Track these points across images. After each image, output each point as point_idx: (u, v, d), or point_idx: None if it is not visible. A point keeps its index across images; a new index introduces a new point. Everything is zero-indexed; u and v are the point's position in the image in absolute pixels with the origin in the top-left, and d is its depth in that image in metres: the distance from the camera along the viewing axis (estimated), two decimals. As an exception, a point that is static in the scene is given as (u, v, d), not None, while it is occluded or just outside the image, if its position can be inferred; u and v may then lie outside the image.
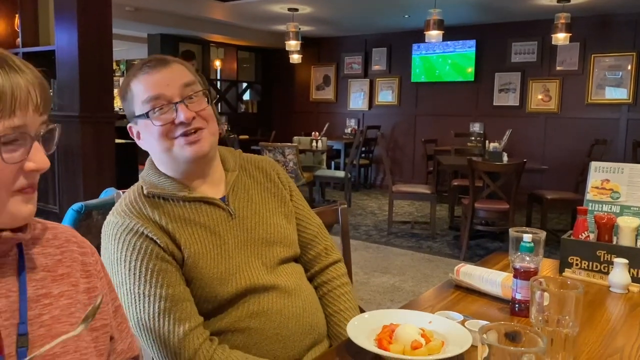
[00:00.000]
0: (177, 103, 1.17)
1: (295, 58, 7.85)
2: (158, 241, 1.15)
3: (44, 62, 4.78)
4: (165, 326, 1.11)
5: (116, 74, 13.14)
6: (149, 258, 1.14)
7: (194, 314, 1.15)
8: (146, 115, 1.18)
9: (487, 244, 5.18)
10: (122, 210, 1.19)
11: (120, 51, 11.12)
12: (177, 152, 1.19)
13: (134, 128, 1.24)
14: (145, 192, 1.21)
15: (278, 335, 1.21)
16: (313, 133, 7.28)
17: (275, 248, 1.29)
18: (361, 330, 1.12)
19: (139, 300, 1.12)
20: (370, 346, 1.06)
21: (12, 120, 0.70)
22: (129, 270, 1.13)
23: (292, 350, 1.22)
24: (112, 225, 1.18)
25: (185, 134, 1.18)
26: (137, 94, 1.19)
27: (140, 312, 1.13)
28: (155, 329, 1.11)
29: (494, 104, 7.67)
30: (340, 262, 1.46)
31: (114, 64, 12.90)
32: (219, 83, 9.57)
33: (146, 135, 1.21)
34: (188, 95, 1.18)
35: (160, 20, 7.51)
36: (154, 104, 1.17)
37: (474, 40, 7.72)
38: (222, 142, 7.82)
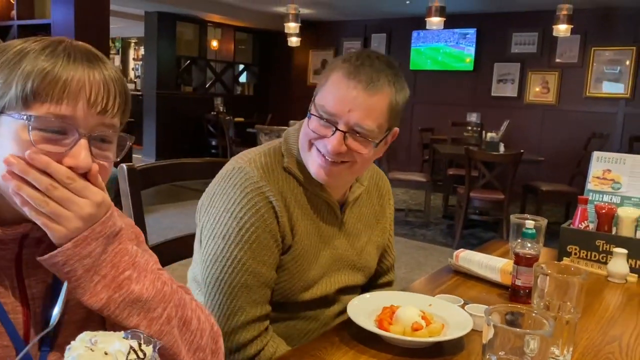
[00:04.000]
0: (337, 129, 1.05)
1: (294, 41, 7.77)
2: (279, 217, 1.10)
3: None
4: (238, 301, 1.07)
5: (112, 52, 13.01)
6: (263, 228, 1.08)
7: (267, 301, 1.12)
8: (309, 112, 1.09)
9: (480, 234, 5.19)
10: (261, 165, 1.12)
11: (117, 28, 10.97)
12: (307, 160, 1.12)
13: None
14: (285, 164, 1.14)
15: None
16: (310, 117, 7.22)
17: (356, 275, 1.28)
18: (361, 310, 1.11)
19: (228, 261, 1.07)
20: (371, 326, 1.05)
21: (59, 107, 0.67)
22: (239, 229, 1.07)
23: None
24: (244, 174, 1.10)
25: (323, 154, 1.08)
26: (326, 89, 1.08)
27: (220, 272, 1.08)
28: (226, 296, 1.07)
29: (492, 94, 7.65)
30: (392, 284, 1.46)
31: (110, 41, 12.74)
32: (215, 64, 9.49)
33: (306, 121, 1.12)
34: (355, 131, 1.06)
35: (158, -2, 7.41)
36: (323, 115, 1.06)
37: (475, 29, 7.68)
38: (219, 125, 7.82)
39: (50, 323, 0.67)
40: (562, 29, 5.85)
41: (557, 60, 7.12)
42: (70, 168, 0.67)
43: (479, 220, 5.26)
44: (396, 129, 1.14)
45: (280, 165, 1.14)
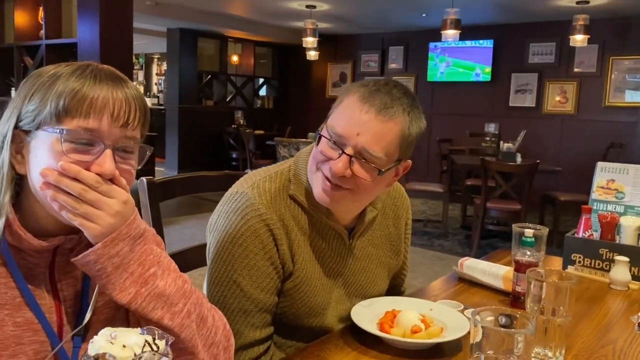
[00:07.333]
0: (343, 152, 1.03)
1: (312, 55, 7.90)
2: (279, 245, 1.10)
3: (67, 54, 4.90)
4: (236, 324, 1.09)
5: (135, 67, 13.31)
6: (262, 256, 1.09)
7: (268, 324, 1.13)
8: (319, 134, 1.09)
9: (498, 244, 5.19)
10: (264, 191, 1.12)
11: (140, 45, 11.25)
12: (312, 182, 1.12)
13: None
14: (290, 191, 1.14)
15: None
16: (328, 129, 7.32)
17: (360, 301, 1.25)
18: (365, 315, 1.17)
19: (227, 286, 1.09)
20: (373, 329, 1.11)
21: (87, 122, 0.76)
22: (239, 255, 1.09)
23: None
24: (246, 200, 1.10)
25: (327, 178, 1.06)
26: (339, 110, 1.07)
27: (221, 296, 1.09)
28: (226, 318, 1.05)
29: (510, 104, 7.65)
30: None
31: (133, 57, 13.04)
32: (236, 78, 9.67)
33: (315, 142, 1.12)
34: (362, 156, 1.04)
35: (179, 15, 7.61)
36: (333, 137, 1.05)
37: (492, 40, 7.71)
38: (239, 138, 7.94)
39: (85, 319, 0.75)
40: (579, 39, 5.86)
41: (576, 69, 7.10)
42: (97, 174, 0.76)
43: (497, 230, 5.26)
44: (408, 162, 1.12)
45: (285, 191, 1.14)
